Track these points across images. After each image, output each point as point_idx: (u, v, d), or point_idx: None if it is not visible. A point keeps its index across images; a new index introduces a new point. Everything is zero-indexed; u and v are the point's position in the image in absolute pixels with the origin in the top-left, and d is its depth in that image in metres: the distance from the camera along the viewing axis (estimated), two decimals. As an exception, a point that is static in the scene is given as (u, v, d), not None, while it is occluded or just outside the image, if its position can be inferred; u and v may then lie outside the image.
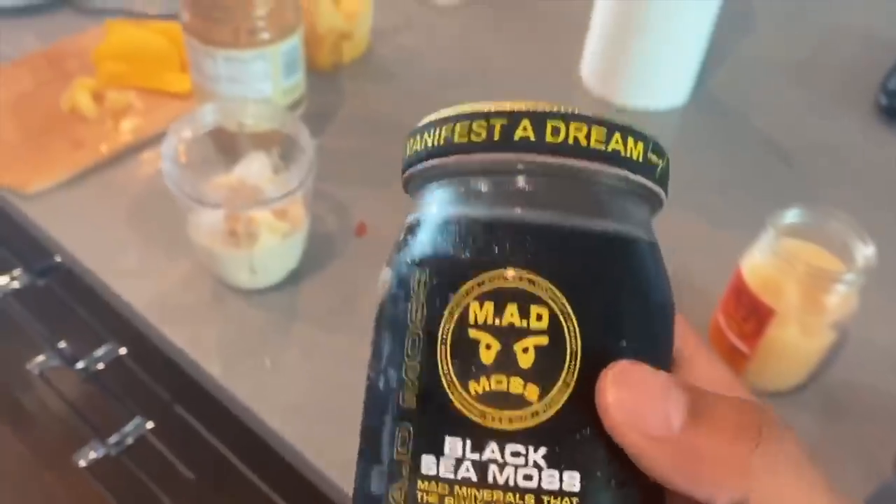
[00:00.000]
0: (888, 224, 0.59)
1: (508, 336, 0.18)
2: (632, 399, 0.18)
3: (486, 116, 0.19)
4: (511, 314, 0.18)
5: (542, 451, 0.18)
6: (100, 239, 0.62)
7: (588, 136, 0.19)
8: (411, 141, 0.21)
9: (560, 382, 0.18)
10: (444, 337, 0.19)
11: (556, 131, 0.19)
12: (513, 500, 0.18)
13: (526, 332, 0.18)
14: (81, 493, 1.08)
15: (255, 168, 0.57)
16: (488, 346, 0.18)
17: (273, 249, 0.55)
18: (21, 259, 0.79)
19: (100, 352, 0.78)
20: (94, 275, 0.59)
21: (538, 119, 0.19)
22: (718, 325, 0.54)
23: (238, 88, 0.61)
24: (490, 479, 0.18)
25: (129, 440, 0.84)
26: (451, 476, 0.18)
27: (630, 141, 0.19)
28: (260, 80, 0.62)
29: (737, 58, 0.84)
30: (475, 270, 0.19)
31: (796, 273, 0.48)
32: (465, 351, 0.18)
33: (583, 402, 0.18)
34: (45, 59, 0.76)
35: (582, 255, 0.19)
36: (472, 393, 0.18)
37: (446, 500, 0.18)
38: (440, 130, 0.20)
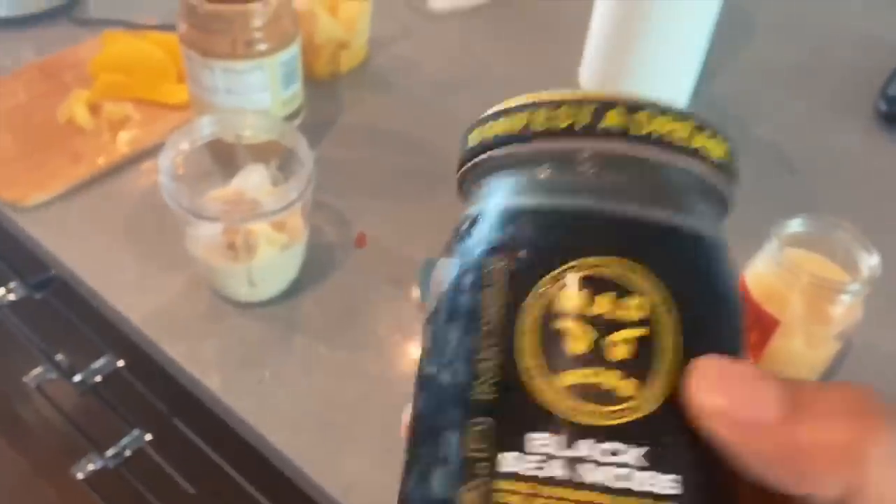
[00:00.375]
0: (890, 231, 0.58)
1: (602, 326, 0.17)
2: (724, 391, 0.17)
3: (580, 103, 0.19)
4: (606, 303, 0.17)
5: (641, 449, 0.17)
6: (97, 252, 0.61)
7: (673, 132, 0.19)
8: (480, 129, 0.21)
9: (660, 377, 0.17)
10: (528, 327, 0.18)
11: (658, 122, 0.19)
12: (605, 502, 0.16)
13: (623, 323, 0.17)
14: (80, 505, 1.07)
15: (253, 180, 0.57)
16: (579, 337, 0.17)
17: (272, 262, 0.55)
18: (18, 272, 0.78)
19: (97, 364, 0.78)
20: (91, 288, 0.59)
21: (635, 107, 0.19)
22: (721, 336, 0.53)
23: (236, 100, 0.61)
24: (581, 479, 0.17)
25: (128, 452, 0.84)
26: (537, 474, 0.17)
27: (713, 141, 0.20)
28: (258, 91, 0.61)
29: (736, 64, 0.84)
30: (564, 258, 0.18)
31: (800, 284, 0.48)
32: (552, 341, 0.17)
33: (681, 399, 0.17)
34: (41, 70, 0.76)
35: (682, 249, 0.19)
36: (561, 386, 0.17)
37: (532, 500, 0.17)
38: (526, 115, 0.20)
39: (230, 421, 0.53)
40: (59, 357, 0.84)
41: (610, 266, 0.18)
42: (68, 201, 0.65)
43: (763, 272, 0.50)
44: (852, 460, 0.16)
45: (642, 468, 0.17)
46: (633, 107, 0.19)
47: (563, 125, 0.19)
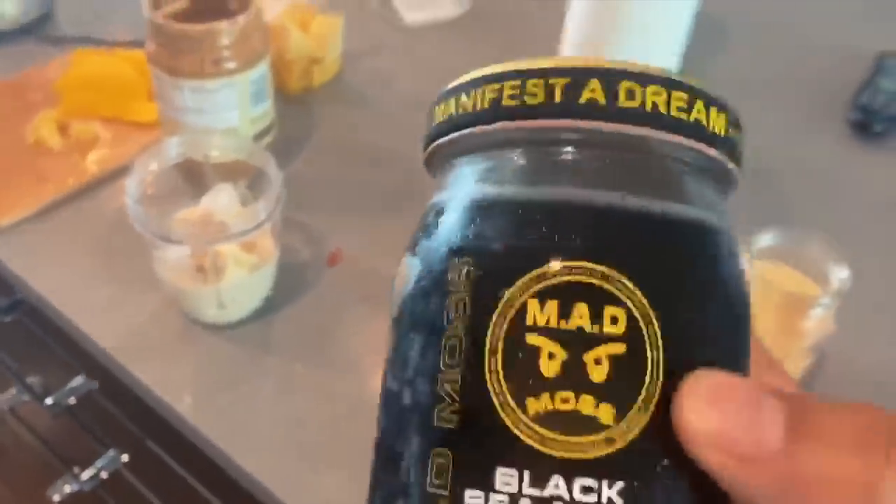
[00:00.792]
0: (861, 242, 0.58)
1: (577, 343, 0.15)
2: (717, 413, 0.15)
3: (555, 73, 0.16)
4: (580, 316, 0.15)
5: (619, 485, 0.15)
6: (67, 274, 0.60)
7: (668, 103, 0.16)
8: (446, 104, 0.18)
9: (640, 401, 0.15)
10: (494, 343, 0.15)
11: (630, 94, 0.16)
12: None
13: (599, 339, 0.15)
14: (57, 528, 1.05)
15: (221, 200, 0.56)
16: (551, 356, 0.15)
17: (241, 283, 0.54)
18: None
19: (71, 385, 0.77)
20: (59, 312, 0.58)
21: (610, 78, 0.16)
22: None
23: (205, 119, 0.61)
24: None
25: (104, 475, 0.83)
26: None
27: (713, 112, 0.17)
28: (227, 110, 0.61)
29: (709, 75, 0.84)
30: (534, 261, 0.15)
31: (772, 299, 0.48)
32: (521, 361, 0.15)
33: (668, 424, 0.15)
34: (8, 90, 0.75)
35: (664, 246, 0.16)
36: (531, 413, 0.15)
37: None
38: (485, 92, 0.17)
39: (199, 444, 0.53)
40: (32, 379, 0.83)
41: (588, 271, 0.15)
42: (37, 223, 0.64)
43: (735, 286, 0.50)
44: (863, 495, 0.14)
45: None
46: (617, 75, 0.16)
47: (535, 102, 0.16)
